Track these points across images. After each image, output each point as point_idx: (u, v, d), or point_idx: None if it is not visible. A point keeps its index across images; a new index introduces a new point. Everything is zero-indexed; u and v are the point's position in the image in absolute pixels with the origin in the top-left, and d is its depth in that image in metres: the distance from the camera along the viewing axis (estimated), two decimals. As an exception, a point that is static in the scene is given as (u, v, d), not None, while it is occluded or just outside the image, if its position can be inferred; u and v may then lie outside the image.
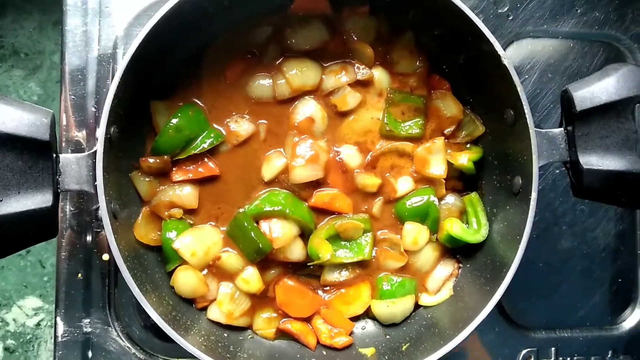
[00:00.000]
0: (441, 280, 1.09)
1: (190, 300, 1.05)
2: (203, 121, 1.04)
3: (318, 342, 1.06)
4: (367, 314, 1.09)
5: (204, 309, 1.06)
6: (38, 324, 1.59)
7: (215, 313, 1.04)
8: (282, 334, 1.07)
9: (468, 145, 1.10)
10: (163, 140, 1.02)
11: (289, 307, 1.05)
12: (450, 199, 1.09)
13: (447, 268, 1.09)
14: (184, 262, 1.02)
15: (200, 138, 1.04)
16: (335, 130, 1.08)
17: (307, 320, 1.07)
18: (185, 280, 1.02)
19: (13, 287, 1.60)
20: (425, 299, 1.09)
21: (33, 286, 1.60)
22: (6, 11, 1.58)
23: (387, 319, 1.07)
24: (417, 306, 1.09)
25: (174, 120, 1.01)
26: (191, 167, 1.05)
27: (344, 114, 1.08)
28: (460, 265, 1.09)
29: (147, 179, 1.03)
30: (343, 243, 1.06)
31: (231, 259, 1.03)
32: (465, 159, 1.07)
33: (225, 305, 1.03)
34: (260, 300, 1.06)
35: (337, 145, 1.07)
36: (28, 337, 1.58)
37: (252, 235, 1.00)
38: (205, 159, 1.05)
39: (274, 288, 1.06)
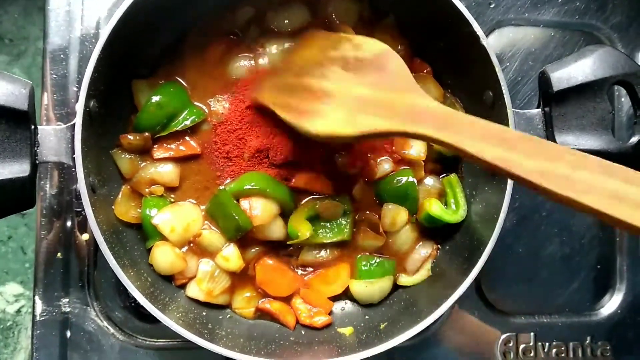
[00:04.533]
0: (420, 260, 1.09)
1: (170, 278, 1.05)
2: (185, 99, 1.05)
3: (297, 322, 1.07)
4: (346, 294, 1.10)
5: (183, 286, 1.05)
6: (18, 311, 1.58)
7: (194, 291, 1.04)
8: (261, 313, 1.07)
9: None
10: (144, 117, 1.02)
11: (268, 286, 1.05)
12: (430, 181, 1.10)
13: (425, 249, 1.09)
14: (163, 238, 1.02)
15: (182, 116, 1.04)
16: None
17: (287, 299, 1.07)
18: (163, 257, 1.02)
19: (-6, 274, 1.59)
20: (403, 279, 1.09)
21: (14, 272, 1.60)
22: (-9, -3, 1.59)
23: (366, 299, 1.08)
24: (395, 287, 1.10)
25: (156, 97, 1.02)
26: (172, 145, 1.05)
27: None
28: (439, 246, 1.10)
29: (128, 156, 1.03)
30: (323, 223, 1.06)
31: (211, 236, 1.03)
32: None
33: (205, 283, 1.03)
34: (240, 279, 1.06)
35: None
36: (8, 324, 1.57)
37: (232, 213, 1.00)
38: (187, 137, 1.05)
39: (254, 267, 1.06)
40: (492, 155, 0.73)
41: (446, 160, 1.11)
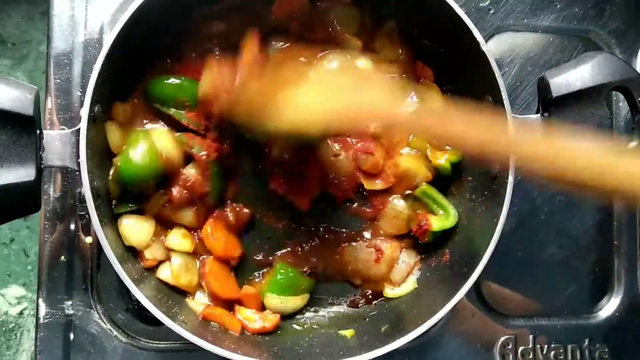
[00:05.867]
0: (405, 271, 1.11)
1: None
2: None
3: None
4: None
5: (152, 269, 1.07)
6: (21, 313, 1.59)
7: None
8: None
9: (449, 147, 1.12)
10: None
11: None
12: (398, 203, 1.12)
13: (410, 259, 1.12)
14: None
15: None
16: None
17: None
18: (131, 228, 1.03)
19: (-4, 276, 1.60)
20: (389, 291, 1.11)
21: (16, 275, 1.60)
22: (-7, 1, 1.60)
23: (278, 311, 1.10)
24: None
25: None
26: None
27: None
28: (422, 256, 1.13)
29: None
30: None
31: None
32: (443, 159, 1.09)
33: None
34: None
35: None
36: (11, 326, 1.58)
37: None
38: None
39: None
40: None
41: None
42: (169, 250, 1.06)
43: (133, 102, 1.05)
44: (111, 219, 1.00)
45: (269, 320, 1.06)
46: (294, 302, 1.08)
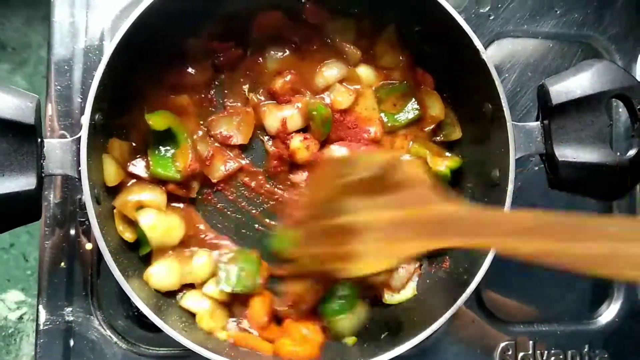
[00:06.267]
0: (405, 277, 1.11)
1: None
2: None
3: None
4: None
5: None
6: (20, 318, 1.59)
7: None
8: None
9: (448, 154, 1.13)
10: None
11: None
12: None
13: (409, 264, 1.12)
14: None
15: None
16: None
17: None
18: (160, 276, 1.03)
19: (-5, 281, 1.60)
20: (388, 297, 1.11)
21: (16, 280, 1.60)
22: (-7, 5, 1.60)
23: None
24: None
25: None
26: None
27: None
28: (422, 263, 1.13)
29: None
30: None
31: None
32: (443, 165, 1.09)
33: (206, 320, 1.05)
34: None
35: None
36: (10, 331, 1.58)
37: None
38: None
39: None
40: (527, 250, 0.71)
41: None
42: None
43: (130, 144, 1.06)
44: (111, 228, 1.00)
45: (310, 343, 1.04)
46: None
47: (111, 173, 1.00)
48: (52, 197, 1.11)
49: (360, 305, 1.09)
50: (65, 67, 1.14)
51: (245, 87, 1.11)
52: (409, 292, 1.10)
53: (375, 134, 1.11)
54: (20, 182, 0.84)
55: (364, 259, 0.90)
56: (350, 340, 1.05)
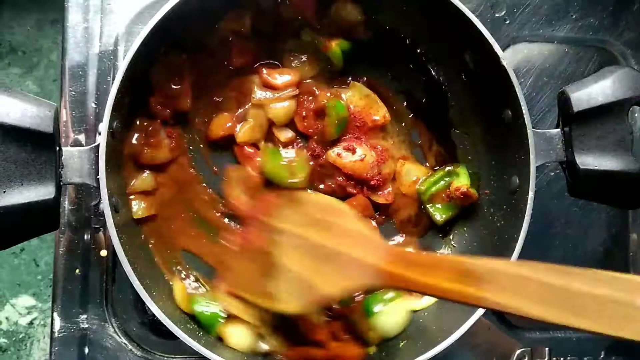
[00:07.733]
0: None
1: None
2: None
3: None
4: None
5: None
6: (31, 323, 1.58)
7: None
8: None
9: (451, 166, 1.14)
10: None
11: None
12: None
13: None
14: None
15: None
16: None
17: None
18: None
19: (6, 286, 1.59)
20: (414, 304, 1.10)
21: (27, 285, 1.60)
22: (4, 8, 1.58)
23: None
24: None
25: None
26: None
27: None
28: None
29: None
30: None
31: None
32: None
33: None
34: None
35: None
36: (21, 336, 1.57)
37: None
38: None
39: None
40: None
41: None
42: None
43: None
44: (129, 236, 1.00)
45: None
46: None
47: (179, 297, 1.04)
48: (66, 203, 1.10)
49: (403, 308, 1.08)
50: (80, 72, 1.13)
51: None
52: (429, 299, 1.09)
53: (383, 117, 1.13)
54: (39, 192, 0.84)
55: (282, 299, 0.92)
56: (370, 350, 1.05)
